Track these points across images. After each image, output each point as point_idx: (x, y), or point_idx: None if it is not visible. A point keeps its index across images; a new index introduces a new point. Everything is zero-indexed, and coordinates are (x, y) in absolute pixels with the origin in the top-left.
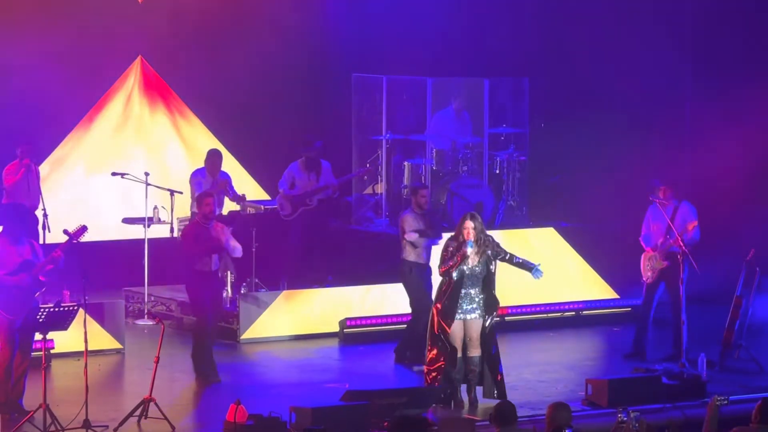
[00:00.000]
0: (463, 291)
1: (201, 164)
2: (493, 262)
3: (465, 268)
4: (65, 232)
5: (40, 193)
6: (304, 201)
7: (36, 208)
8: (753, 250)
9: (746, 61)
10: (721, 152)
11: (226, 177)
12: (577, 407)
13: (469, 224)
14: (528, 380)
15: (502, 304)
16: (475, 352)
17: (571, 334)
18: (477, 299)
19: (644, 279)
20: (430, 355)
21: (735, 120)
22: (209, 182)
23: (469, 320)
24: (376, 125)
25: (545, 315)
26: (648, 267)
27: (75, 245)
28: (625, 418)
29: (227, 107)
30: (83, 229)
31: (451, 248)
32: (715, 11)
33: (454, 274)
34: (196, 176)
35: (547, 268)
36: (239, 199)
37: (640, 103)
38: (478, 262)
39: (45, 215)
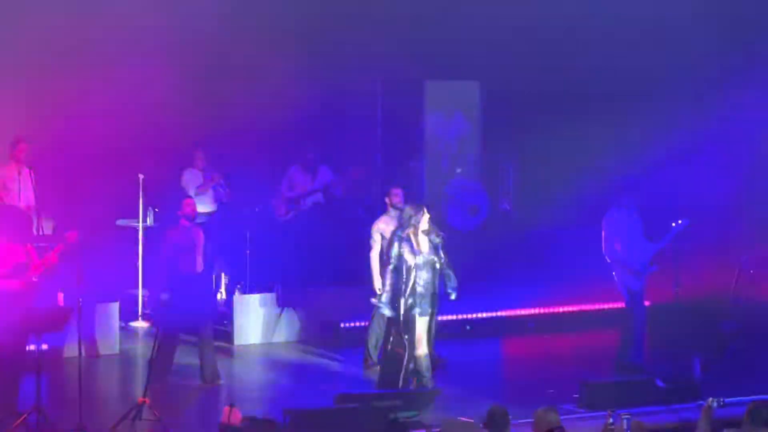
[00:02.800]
0: (418, 287)
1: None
2: (442, 254)
3: (418, 259)
4: (65, 235)
5: (34, 197)
6: (298, 202)
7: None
8: (746, 254)
9: (733, 56)
10: (713, 155)
11: (213, 172)
12: (571, 410)
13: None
14: (521, 383)
15: (496, 307)
16: (425, 350)
17: (565, 336)
18: (426, 295)
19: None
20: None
21: (726, 122)
22: (200, 177)
23: (420, 317)
24: (372, 127)
25: (539, 317)
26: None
27: (69, 248)
28: (612, 421)
29: (225, 109)
30: (77, 234)
31: (398, 240)
32: (702, 14)
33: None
34: (187, 174)
35: (541, 271)
36: (225, 188)
37: (636, 105)
38: (428, 248)
39: (38, 217)
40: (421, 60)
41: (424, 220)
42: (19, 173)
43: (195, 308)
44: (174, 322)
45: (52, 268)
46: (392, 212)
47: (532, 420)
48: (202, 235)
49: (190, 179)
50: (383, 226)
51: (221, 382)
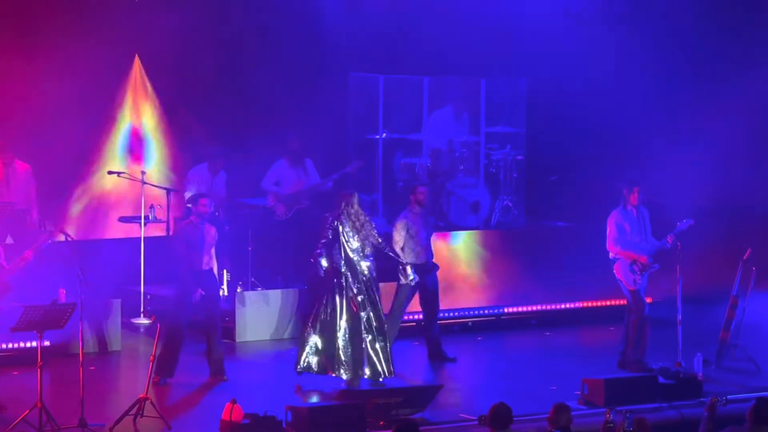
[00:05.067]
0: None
1: (196, 162)
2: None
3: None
4: (62, 231)
5: (23, 191)
6: (298, 200)
7: (17, 206)
8: (749, 250)
9: (743, 60)
10: (717, 152)
11: (223, 178)
12: (574, 407)
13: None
14: (523, 380)
15: (499, 304)
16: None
17: (566, 333)
18: None
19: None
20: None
21: (732, 120)
22: (209, 181)
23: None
24: (372, 124)
25: (541, 314)
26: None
27: (70, 244)
28: (612, 418)
29: (223, 106)
30: (32, 253)
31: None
32: (715, 14)
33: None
34: (196, 174)
35: (543, 268)
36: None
37: (636, 103)
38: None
39: (41, 214)
40: (421, 55)
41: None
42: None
43: (205, 305)
44: (182, 318)
45: (25, 266)
46: (417, 209)
47: (548, 416)
48: (213, 233)
49: (198, 182)
50: (401, 227)
51: (226, 378)
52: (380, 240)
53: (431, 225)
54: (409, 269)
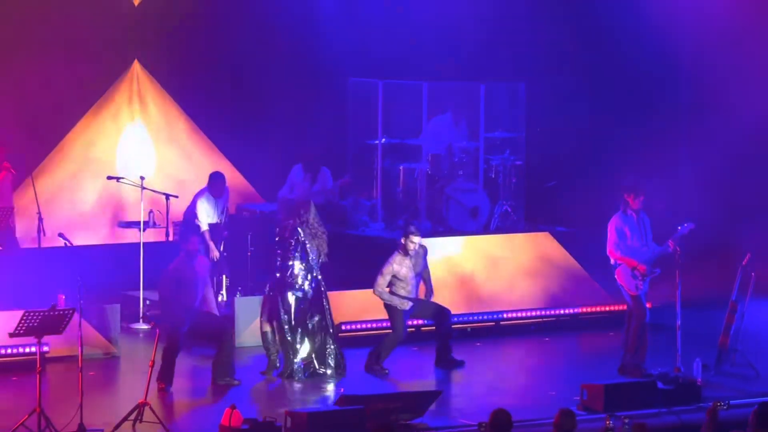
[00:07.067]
0: None
1: (196, 167)
2: None
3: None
4: (61, 236)
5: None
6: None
7: (6, 209)
8: (748, 255)
9: (744, 66)
10: (716, 157)
11: (227, 197)
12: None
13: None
14: (522, 386)
15: (496, 309)
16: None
17: (566, 338)
18: None
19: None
20: None
21: (732, 126)
22: (213, 203)
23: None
24: (372, 129)
25: (540, 320)
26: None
27: (69, 249)
28: (613, 424)
29: (224, 110)
30: None
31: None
32: (714, 16)
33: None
34: (201, 197)
35: (542, 273)
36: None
37: (635, 107)
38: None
39: (40, 219)
40: (420, 61)
41: None
42: None
43: (211, 326)
44: (180, 328)
45: None
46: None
47: (553, 421)
48: (206, 264)
49: (203, 206)
50: (395, 268)
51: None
52: (326, 254)
53: (424, 264)
54: (396, 299)
